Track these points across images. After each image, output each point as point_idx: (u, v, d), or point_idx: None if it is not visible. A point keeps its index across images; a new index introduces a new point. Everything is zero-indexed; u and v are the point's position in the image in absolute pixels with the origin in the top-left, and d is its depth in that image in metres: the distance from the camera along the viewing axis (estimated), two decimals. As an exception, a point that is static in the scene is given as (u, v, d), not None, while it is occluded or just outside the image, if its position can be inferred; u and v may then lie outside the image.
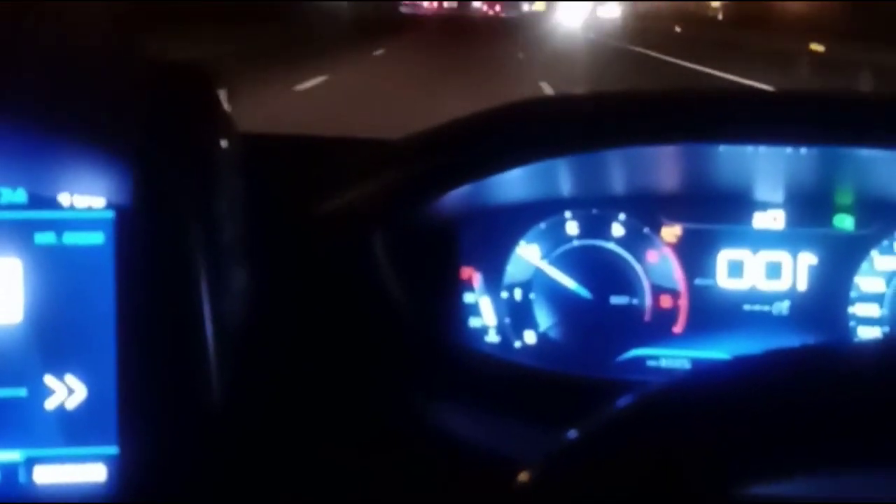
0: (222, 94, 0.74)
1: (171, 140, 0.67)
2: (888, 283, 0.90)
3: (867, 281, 0.91)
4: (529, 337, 0.93)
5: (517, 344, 0.93)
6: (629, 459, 0.43)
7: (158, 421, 0.65)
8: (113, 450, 0.65)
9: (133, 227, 0.65)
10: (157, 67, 0.71)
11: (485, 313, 0.93)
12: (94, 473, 0.66)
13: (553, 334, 0.93)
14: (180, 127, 0.68)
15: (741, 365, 0.44)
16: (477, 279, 0.92)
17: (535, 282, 0.93)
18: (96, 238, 0.65)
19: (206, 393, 0.65)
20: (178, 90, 0.70)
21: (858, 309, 0.91)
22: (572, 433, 0.46)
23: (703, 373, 0.46)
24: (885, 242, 0.91)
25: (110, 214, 0.65)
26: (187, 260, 0.65)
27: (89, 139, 0.65)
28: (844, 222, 0.91)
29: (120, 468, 0.65)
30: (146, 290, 0.65)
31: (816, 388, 0.42)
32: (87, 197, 0.66)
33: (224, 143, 0.71)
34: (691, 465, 0.42)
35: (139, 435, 0.65)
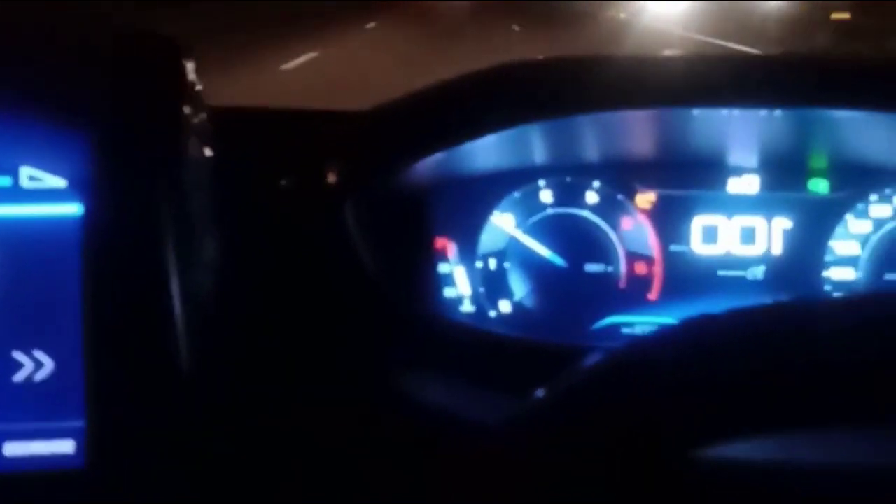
0: (190, 66, 0.73)
1: (135, 111, 0.66)
2: (863, 246, 0.91)
3: (842, 244, 0.91)
4: (504, 306, 0.93)
5: (492, 313, 0.93)
6: (587, 424, 0.43)
7: (127, 393, 0.64)
8: (81, 423, 0.65)
9: (98, 198, 0.64)
10: (121, 37, 0.70)
11: (459, 283, 0.92)
12: (63, 447, 0.65)
13: (528, 303, 0.93)
14: (145, 98, 0.67)
15: (692, 327, 0.44)
16: (451, 249, 0.92)
17: (509, 251, 0.92)
18: (61, 210, 0.64)
19: (175, 365, 0.65)
20: (143, 61, 0.69)
21: (833, 272, 0.91)
22: (531, 398, 0.46)
23: (656, 337, 0.46)
24: (860, 206, 0.91)
25: (75, 187, 0.64)
26: (154, 231, 0.64)
27: (51, 111, 0.64)
28: (819, 186, 0.91)
29: (88, 441, 0.65)
30: (113, 263, 0.64)
31: (773, 347, 0.42)
32: (51, 169, 0.65)
33: (190, 114, 0.70)
34: (649, 427, 0.42)
35: (107, 408, 0.64)
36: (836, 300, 0.63)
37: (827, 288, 0.91)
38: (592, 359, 0.45)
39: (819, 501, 0.51)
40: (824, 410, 0.42)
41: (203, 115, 0.75)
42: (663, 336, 0.46)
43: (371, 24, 16.96)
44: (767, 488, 0.50)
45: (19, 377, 0.65)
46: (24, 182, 0.65)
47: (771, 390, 0.42)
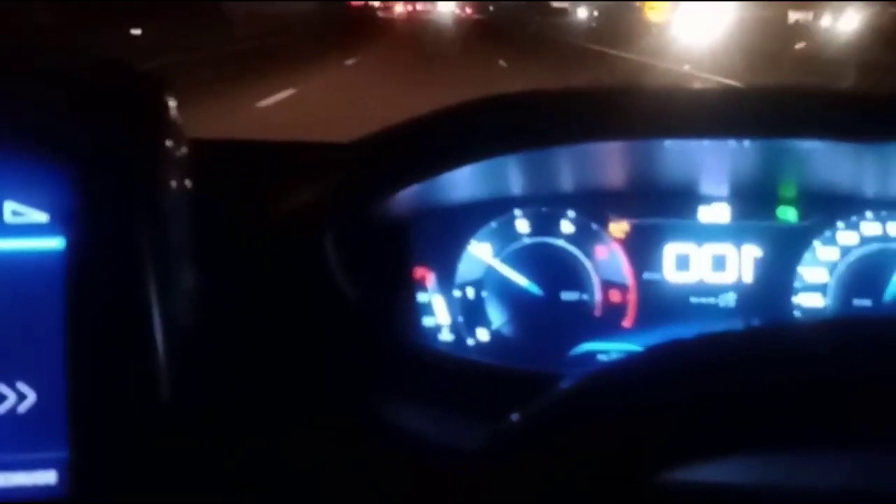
0: (170, 99, 0.74)
1: (116, 145, 0.67)
2: (830, 272, 0.93)
3: (810, 271, 0.93)
4: (482, 334, 0.94)
5: (470, 341, 0.94)
6: (557, 448, 0.44)
7: (109, 424, 0.65)
8: (64, 454, 0.66)
9: (79, 232, 0.65)
10: (101, 71, 0.71)
11: (438, 312, 0.94)
12: (45, 477, 0.66)
13: (505, 331, 0.94)
14: (126, 132, 0.68)
15: (658, 353, 0.46)
16: (430, 278, 0.93)
17: (486, 280, 0.94)
18: (42, 243, 0.65)
19: (157, 394, 0.66)
20: (124, 95, 0.70)
21: (802, 299, 0.93)
22: (503, 424, 0.47)
23: (624, 362, 0.48)
24: (827, 233, 0.93)
25: (57, 221, 0.66)
26: (135, 263, 0.65)
27: (34, 146, 0.65)
28: (787, 214, 0.93)
29: (71, 472, 0.65)
30: (95, 295, 0.65)
31: (739, 371, 0.43)
32: (34, 204, 0.66)
33: (171, 147, 0.72)
34: (619, 450, 0.43)
35: (90, 438, 0.65)
36: (803, 324, 0.65)
37: (796, 314, 0.93)
38: (562, 385, 0.47)
39: None
40: (790, 433, 0.43)
41: (184, 148, 0.76)
42: (631, 362, 0.48)
43: (352, 60, 16.01)
44: None
45: (2, 409, 0.66)
46: (7, 217, 0.66)
47: (738, 413, 0.43)
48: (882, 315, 0.88)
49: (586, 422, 0.44)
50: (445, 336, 0.94)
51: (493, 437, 0.47)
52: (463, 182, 0.89)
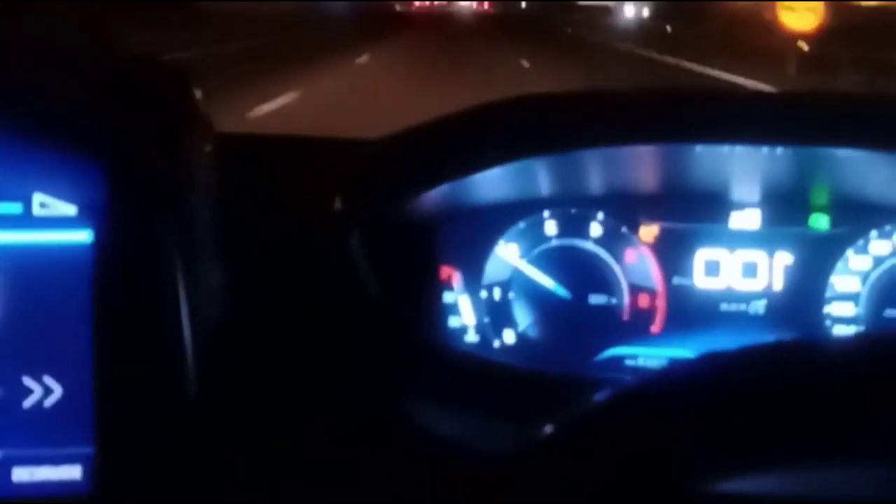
0: (197, 93, 0.74)
1: (145, 139, 0.66)
2: (863, 282, 0.91)
3: (842, 280, 0.91)
4: (508, 336, 0.93)
5: (496, 343, 0.93)
6: (600, 455, 0.44)
7: (135, 420, 0.65)
8: (89, 449, 0.65)
9: (107, 225, 0.65)
10: (131, 66, 0.71)
11: (464, 312, 0.93)
12: (70, 472, 0.66)
13: (532, 333, 0.93)
14: (154, 126, 0.68)
15: (708, 362, 0.45)
16: (456, 278, 0.93)
17: (513, 281, 0.93)
18: (71, 238, 0.65)
19: (183, 391, 0.65)
20: (153, 89, 0.70)
21: (834, 308, 0.91)
22: (545, 428, 0.46)
23: (672, 371, 0.47)
24: (860, 242, 0.91)
25: (85, 214, 0.65)
26: (162, 258, 0.65)
27: (63, 139, 0.65)
28: (820, 222, 0.92)
29: (96, 467, 0.65)
30: (122, 290, 0.65)
31: (783, 384, 0.42)
32: (62, 196, 0.66)
33: (199, 141, 0.71)
34: (657, 461, 0.42)
35: (115, 434, 0.65)
36: (844, 339, 0.64)
37: (827, 323, 0.91)
38: (602, 392, 0.46)
39: None
40: (831, 447, 0.43)
41: (210, 143, 0.75)
42: (673, 371, 0.47)
43: (363, 58, 14.55)
44: None
45: (28, 403, 0.66)
46: (36, 209, 0.66)
47: (779, 427, 0.42)
48: None
49: (623, 429, 0.44)
50: (471, 337, 0.93)
51: (529, 441, 0.47)
52: (492, 182, 0.88)
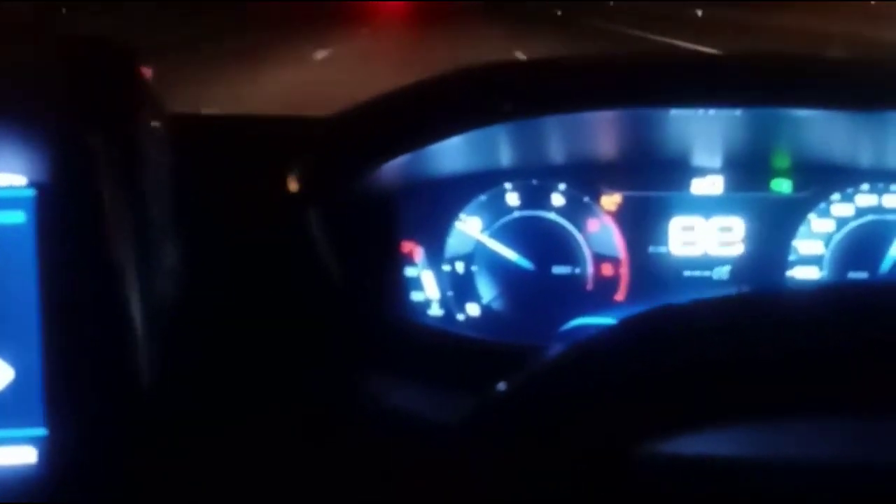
0: (147, 72, 0.73)
1: (91, 115, 0.65)
2: (826, 244, 0.91)
3: (805, 244, 0.91)
4: (472, 309, 0.93)
5: (460, 316, 0.93)
6: (540, 421, 0.43)
7: (86, 402, 0.64)
8: (41, 431, 0.64)
9: (55, 204, 0.64)
10: (77, 44, 0.70)
11: (427, 287, 0.92)
12: (24, 455, 0.65)
13: (496, 306, 0.93)
14: (101, 102, 0.66)
15: (635, 323, 0.44)
16: (418, 253, 0.92)
17: (476, 254, 0.93)
18: (16, 217, 0.64)
19: (135, 372, 0.65)
20: (99, 65, 0.69)
21: (797, 272, 0.91)
22: (484, 397, 0.46)
23: (604, 333, 0.46)
24: (822, 205, 0.91)
25: (31, 192, 0.64)
26: (112, 237, 0.64)
27: (7, 116, 0.64)
28: (782, 186, 0.91)
29: (49, 450, 0.64)
30: (70, 269, 0.64)
31: (714, 339, 0.42)
32: (7, 175, 0.64)
33: (148, 119, 0.70)
34: (603, 420, 0.42)
35: (67, 416, 0.64)
36: (789, 290, 0.63)
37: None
38: (541, 358, 0.46)
39: (775, 497, 0.51)
40: (772, 402, 0.42)
41: (161, 121, 0.74)
42: (609, 332, 0.46)
43: (323, 54, 12.38)
44: (722, 483, 0.50)
45: None
46: (-20, 189, 0.64)
47: (718, 382, 0.42)
48: (865, 282, 0.87)
49: (565, 394, 0.43)
50: (435, 311, 0.93)
51: (471, 411, 0.46)
52: (451, 154, 0.87)
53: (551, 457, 0.43)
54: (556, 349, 0.48)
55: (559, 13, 24.92)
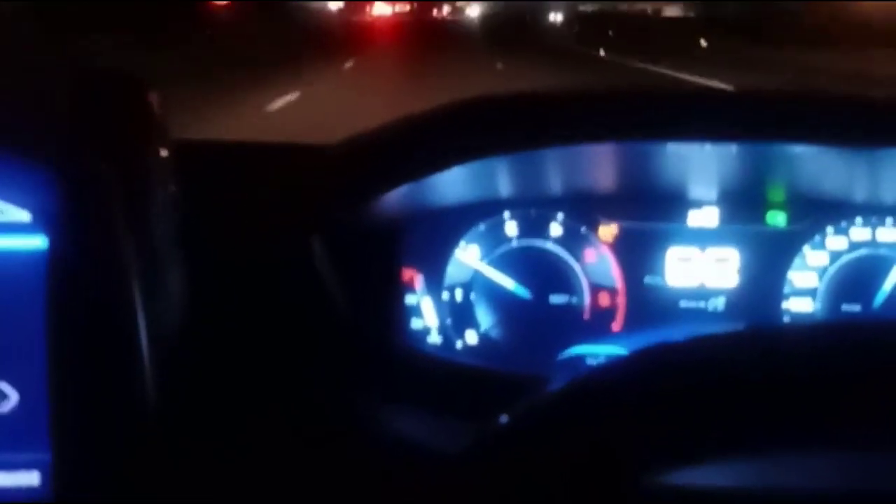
0: (154, 99, 0.74)
1: (99, 145, 0.66)
2: (820, 277, 0.92)
3: (800, 276, 0.92)
4: (471, 337, 0.94)
5: (459, 344, 0.94)
6: (544, 451, 0.44)
7: (92, 426, 0.64)
8: (46, 455, 0.65)
9: (63, 232, 0.65)
10: (85, 74, 0.71)
11: (426, 314, 0.93)
12: (28, 479, 0.66)
13: (494, 334, 0.94)
14: (110, 132, 0.68)
15: (655, 354, 0.45)
16: (418, 280, 0.93)
17: (475, 282, 0.94)
18: (26, 243, 0.65)
19: (140, 397, 0.65)
20: (108, 96, 0.70)
21: (792, 304, 0.92)
22: (489, 426, 0.46)
23: (610, 365, 0.47)
24: (817, 238, 0.92)
25: (40, 220, 0.65)
26: (118, 264, 0.65)
27: (15, 145, 0.65)
28: (777, 219, 0.93)
29: (53, 474, 0.65)
30: (77, 295, 0.65)
31: (720, 374, 0.43)
32: (15, 202, 0.65)
33: (155, 149, 0.71)
34: (606, 453, 0.43)
35: (72, 440, 0.64)
36: (789, 327, 0.65)
37: (786, 319, 0.92)
38: (548, 388, 0.47)
39: None
40: (775, 435, 0.43)
41: (168, 150, 0.75)
42: (616, 364, 0.47)
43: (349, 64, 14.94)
44: None
45: None
46: (-10, 215, 0.65)
47: (722, 416, 0.43)
48: (870, 318, 0.88)
49: (570, 424, 0.44)
50: (434, 338, 0.93)
51: (475, 439, 0.47)
52: (451, 184, 0.89)
53: (555, 488, 0.44)
54: (560, 380, 0.49)
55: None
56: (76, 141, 0.66)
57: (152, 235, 0.70)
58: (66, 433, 0.65)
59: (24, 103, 0.68)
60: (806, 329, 0.53)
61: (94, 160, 0.66)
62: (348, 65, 14.91)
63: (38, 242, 0.65)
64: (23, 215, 0.65)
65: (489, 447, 0.48)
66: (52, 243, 0.65)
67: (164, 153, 0.74)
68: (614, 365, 0.49)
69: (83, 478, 0.65)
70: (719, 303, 0.93)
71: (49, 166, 0.64)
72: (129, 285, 0.66)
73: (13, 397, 0.65)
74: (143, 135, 0.70)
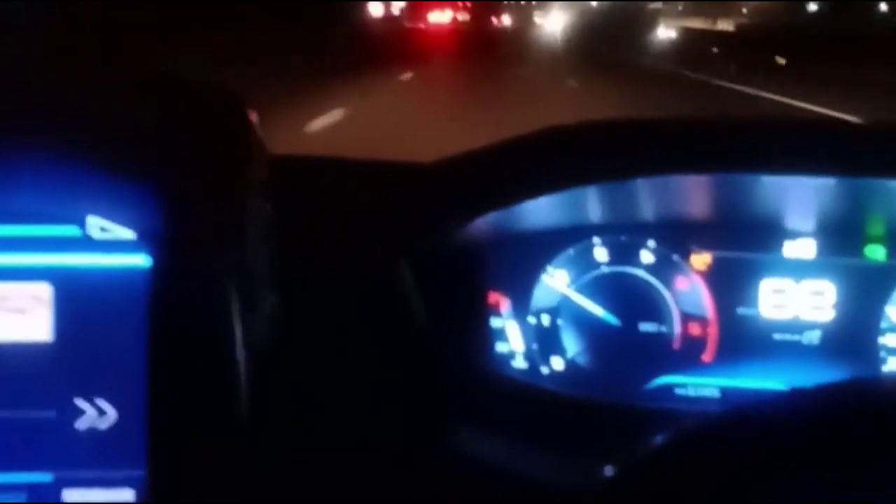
0: (253, 117, 0.74)
1: (202, 166, 0.67)
2: None
3: None
4: (557, 363, 0.93)
5: (544, 370, 0.93)
6: (678, 492, 0.43)
7: (187, 443, 0.65)
8: (141, 472, 0.65)
9: (164, 251, 0.65)
10: (189, 91, 0.71)
11: (512, 338, 0.92)
12: (122, 496, 0.66)
13: (581, 361, 0.92)
14: (213, 151, 0.68)
15: (788, 400, 0.44)
16: (504, 304, 0.92)
17: (562, 308, 0.92)
18: (128, 262, 0.66)
19: (235, 416, 0.65)
20: (211, 115, 0.70)
21: (889, 339, 0.90)
22: (622, 466, 0.45)
23: (747, 408, 0.46)
24: None
25: (143, 239, 0.66)
26: (218, 284, 0.65)
27: (121, 163, 0.66)
28: (876, 252, 0.90)
29: (148, 491, 0.65)
30: (178, 314, 0.65)
31: (863, 421, 0.41)
32: (120, 221, 0.66)
33: (255, 168, 0.71)
34: (738, 498, 0.42)
35: (167, 457, 0.65)
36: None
37: (882, 354, 0.90)
38: (680, 427, 0.45)
39: None
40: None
41: (265, 168, 0.76)
42: (748, 408, 0.46)
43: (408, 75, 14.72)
44: None
45: (81, 425, 0.66)
46: (94, 232, 0.66)
47: (863, 466, 0.41)
48: None
49: (706, 467, 0.43)
50: (519, 363, 0.92)
51: (609, 475, 0.46)
52: (541, 209, 0.88)
53: None
54: (697, 416, 0.48)
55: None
56: (179, 161, 0.66)
57: (249, 254, 0.70)
58: (161, 450, 0.65)
59: (128, 122, 0.68)
60: None
61: (197, 180, 0.66)
62: (406, 76, 14.72)
63: (140, 260, 0.66)
64: (127, 234, 0.66)
65: (622, 483, 0.47)
66: (156, 262, 0.65)
67: (262, 172, 0.74)
68: (769, 400, 0.48)
69: (177, 495, 0.66)
70: (814, 336, 0.91)
71: (154, 186, 0.65)
72: (227, 304, 0.66)
73: (111, 414, 0.66)
74: (243, 153, 0.71)
